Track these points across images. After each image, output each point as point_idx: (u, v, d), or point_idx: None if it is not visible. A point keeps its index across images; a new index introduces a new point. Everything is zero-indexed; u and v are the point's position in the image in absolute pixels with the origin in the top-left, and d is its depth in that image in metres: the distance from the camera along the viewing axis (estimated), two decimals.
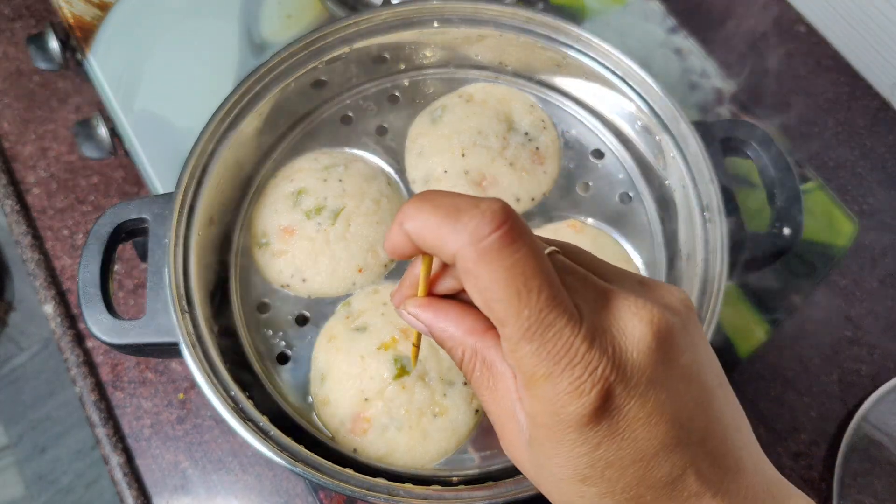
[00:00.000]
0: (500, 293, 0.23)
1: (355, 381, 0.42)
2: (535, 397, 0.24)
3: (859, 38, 0.61)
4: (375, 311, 0.44)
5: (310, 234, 0.46)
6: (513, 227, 0.23)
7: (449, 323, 0.27)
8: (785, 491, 0.27)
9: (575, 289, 0.25)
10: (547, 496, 0.27)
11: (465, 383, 0.43)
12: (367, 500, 0.37)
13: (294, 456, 0.38)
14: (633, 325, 0.25)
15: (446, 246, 0.24)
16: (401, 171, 0.50)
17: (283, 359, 0.45)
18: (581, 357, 0.23)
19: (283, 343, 0.45)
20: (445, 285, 0.28)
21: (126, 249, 0.57)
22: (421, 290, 0.28)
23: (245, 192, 0.49)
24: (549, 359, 0.24)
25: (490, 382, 0.27)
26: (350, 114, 0.52)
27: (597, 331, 0.24)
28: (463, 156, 0.49)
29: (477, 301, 0.24)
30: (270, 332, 0.46)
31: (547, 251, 0.26)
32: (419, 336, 0.34)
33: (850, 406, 0.52)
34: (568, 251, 0.28)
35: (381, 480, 0.38)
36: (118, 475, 0.50)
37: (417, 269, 0.28)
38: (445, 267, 0.28)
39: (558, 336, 0.23)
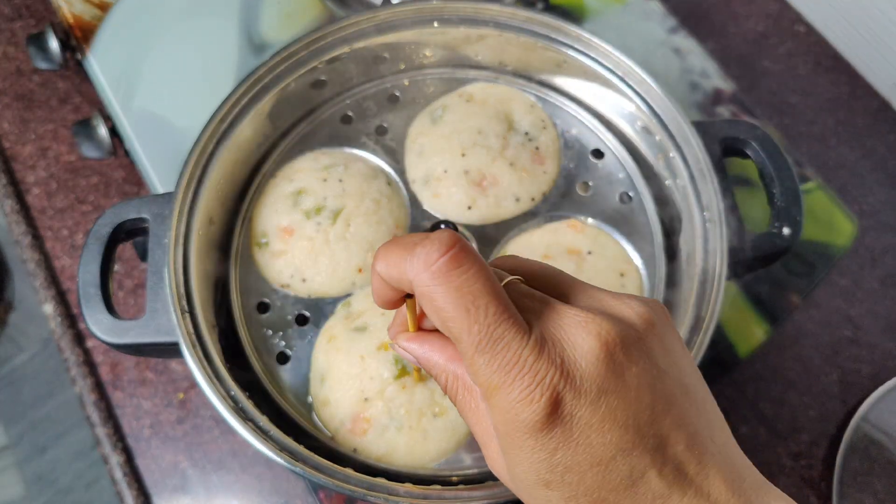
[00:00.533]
0: (451, 311, 0.26)
1: (355, 381, 0.42)
2: (493, 407, 0.26)
3: (859, 38, 0.61)
4: (375, 311, 0.44)
5: (309, 234, 0.46)
6: (460, 251, 0.26)
7: (433, 352, 0.30)
8: (764, 494, 0.27)
9: (530, 309, 0.27)
10: (522, 498, 0.28)
11: None
12: (366, 499, 0.37)
13: (294, 456, 0.38)
14: (582, 337, 0.26)
15: (405, 276, 0.27)
16: (401, 171, 0.50)
17: (282, 359, 0.45)
18: (530, 367, 0.25)
19: (283, 343, 0.45)
20: (430, 321, 0.31)
21: (126, 249, 0.57)
22: (410, 325, 0.31)
23: (245, 191, 0.49)
24: (500, 370, 0.25)
25: (472, 404, 0.29)
26: (350, 114, 0.52)
27: (545, 342, 0.26)
28: (463, 155, 0.49)
29: (436, 322, 0.27)
30: (270, 332, 0.46)
31: (506, 280, 0.28)
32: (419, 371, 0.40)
33: (850, 406, 0.52)
34: (534, 275, 0.30)
35: (380, 480, 0.38)
36: (118, 475, 0.50)
37: (404, 311, 0.31)
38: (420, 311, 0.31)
39: (507, 348, 0.25)
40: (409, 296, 0.29)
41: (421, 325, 0.31)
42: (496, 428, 0.27)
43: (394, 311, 0.32)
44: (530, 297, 0.28)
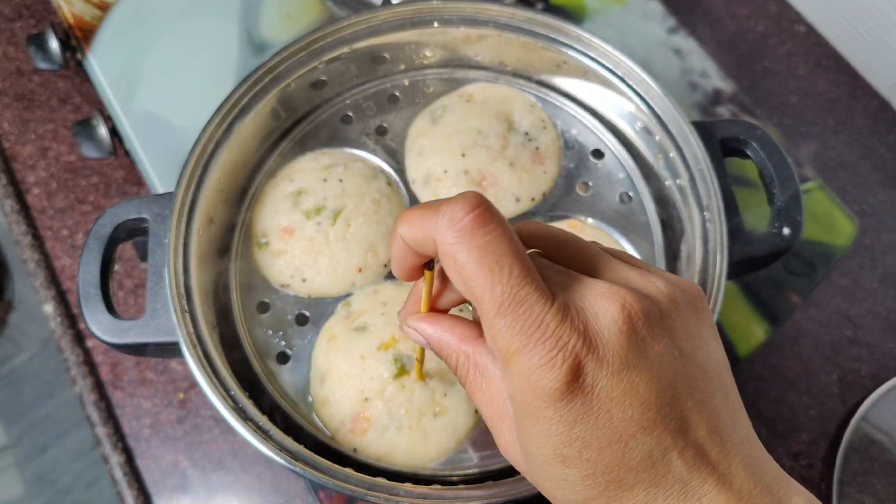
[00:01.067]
0: (474, 271, 0.25)
1: (355, 381, 0.42)
2: (512, 374, 0.25)
3: (859, 38, 0.61)
4: (375, 311, 0.44)
5: (310, 234, 0.46)
6: (485, 210, 0.25)
7: (444, 332, 0.30)
8: (786, 489, 0.27)
9: (552, 279, 0.27)
10: (539, 488, 0.28)
11: None
12: (366, 499, 0.37)
13: (294, 455, 0.38)
14: (605, 307, 0.26)
15: (429, 235, 0.26)
16: (401, 171, 0.50)
17: (283, 358, 0.45)
18: (552, 332, 0.25)
19: (283, 343, 0.45)
20: (446, 300, 0.31)
21: (126, 249, 0.57)
22: (423, 304, 0.30)
23: (245, 191, 0.49)
24: (521, 333, 0.25)
25: (483, 384, 0.28)
26: (350, 114, 0.52)
27: (568, 309, 0.25)
28: (463, 156, 0.49)
29: (457, 283, 0.26)
30: (270, 332, 0.46)
31: (527, 252, 0.27)
32: (422, 351, 0.39)
33: (849, 406, 0.52)
34: (559, 244, 0.29)
35: (381, 480, 0.38)
36: (118, 475, 0.50)
37: (419, 290, 0.31)
38: (443, 284, 0.30)
39: (530, 311, 0.25)
40: (429, 267, 0.29)
41: (434, 307, 0.31)
42: (513, 398, 0.26)
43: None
44: (552, 269, 0.27)
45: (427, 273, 0.29)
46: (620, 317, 0.25)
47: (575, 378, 0.25)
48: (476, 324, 0.29)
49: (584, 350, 0.25)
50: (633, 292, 0.26)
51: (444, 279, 0.30)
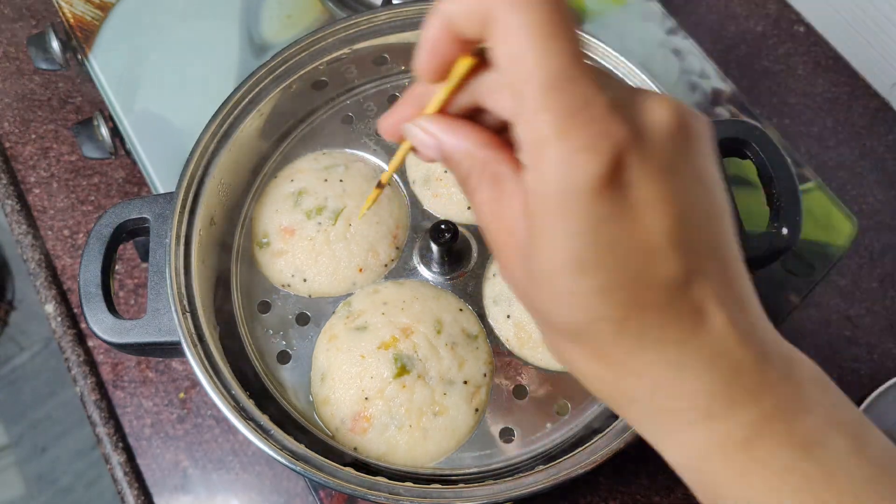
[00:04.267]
0: (529, 39, 0.22)
1: (356, 381, 0.42)
2: (545, 163, 0.23)
3: (859, 38, 0.61)
4: (376, 310, 0.44)
5: (310, 233, 0.46)
6: None
7: (461, 136, 0.26)
8: (789, 350, 0.26)
9: (606, 82, 0.24)
10: (538, 310, 0.26)
11: (465, 382, 0.43)
12: (367, 498, 0.37)
13: (294, 454, 0.38)
14: (658, 109, 0.24)
15: (483, 6, 0.23)
16: (401, 171, 0.50)
17: (283, 358, 0.45)
18: (601, 117, 0.22)
19: (284, 342, 0.45)
20: (458, 104, 0.27)
21: (127, 249, 0.57)
22: (433, 107, 0.27)
23: (246, 192, 0.49)
24: (567, 114, 0.22)
25: (495, 196, 0.26)
26: (350, 114, 0.52)
27: (620, 101, 0.23)
28: None
29: (504, 59, 0.23)
30: (271, 332, 0.46)
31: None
32: (393, 173, 0.33)
33: None
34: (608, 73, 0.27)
35: (381, 479, 0.38)
36: (119, 474, 0.50)
37: (417, 90, 0.28)
38: (460, 86, 0.27)
39: (581, 92, 0.22)
40: (477, 54, 0.26)
41: (443, 111, 0.27)
42: (536, 192, 0.23)
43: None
44: (605, 75, 0.25)
45: (464, 63, 0.26)
46: (673, 117, 0.24)
47: (616, 170, 0.22)
48: (495, 132, 0.27)
49: (631, 142, 0.22)
50: (688, 108, 0.24)
51: (470, 75, 0.27)
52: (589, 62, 0.23)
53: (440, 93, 0.27)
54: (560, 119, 0.22)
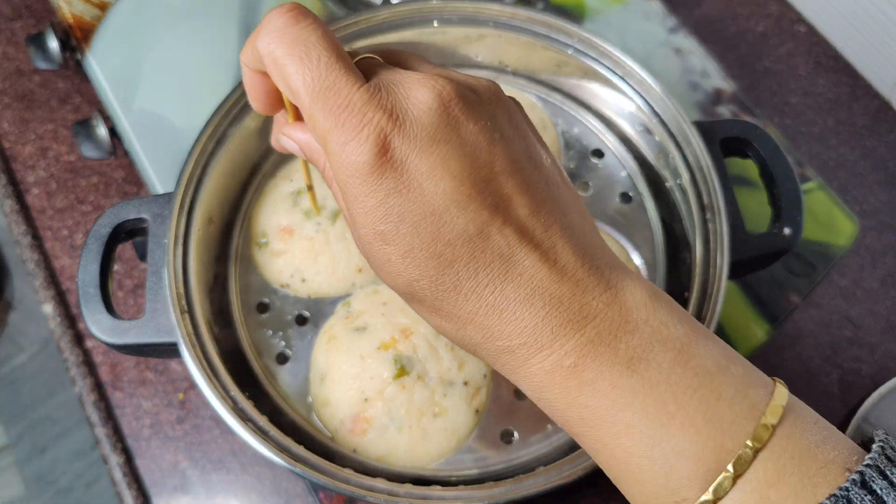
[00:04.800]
0: (287, 62, 0.27)
1: (355, 381, 0.42)
2: (329, 156, 0.27)
3: (859, 38, 0.61)
4: (375, 311, 0.44)
5: (309, 233, 0.46)
6: (298, 10, 0.27)
7: (309, 135, 0.31)
8: (620, 275, 0.27)
9: (376, 73, 0.28)
10: (377, 274, 0.29)
11: (465, 383, 0.43)
12: (367, 500, 0.37)
13: (293, 456, 0.38)
14: (417, 89, 0.27)
15: (254, 48, 0.28)
16: None
17: (282, 359, 0.45)
18: (358, 110, 0.26)
19: (283, 343, 0.45)
20: None
21: (126, 249, 0.56)
22: (290, 116, 0.32)
23: (244, 191, 0.49)
24: (331, 114, 0.26)
25: None
26: None
27: (379, 91, 0.27)
28: None
29: (280, 84, 0.28)
30: (270, 332, 0.45)
31: (360, 56, 0.29)
32: (307, 170, 0.42)
33: (850, 406, 0.52)
34: (391, 52, 0.31)
35: (381, 481, 0.37)
36: (118, 475, 0.50)
37: (282, 112, 0.33)
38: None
39: (338, 93, 0.26)
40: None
41: (299, 117, 0.32)
42: (337, 181, 0.27)
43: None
44: (380, 65, 0.29)
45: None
46: (430, 97, 0.27)
47: (382, 152, 0.26)
48: None
49: (390, 125, 0.26)
50: (451, 80, 0.27)
51: None
52: (348, 65, 0.27)
53: (287, 109, 0.32)
54: (328, 120, 0.26)
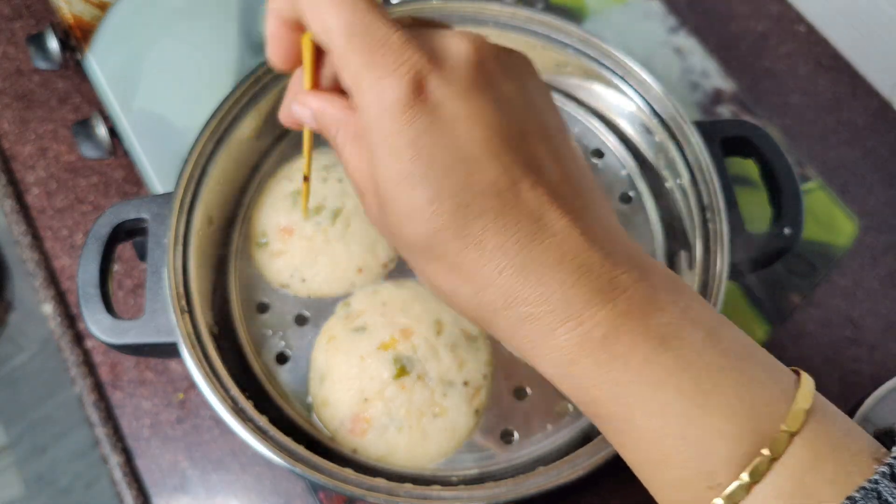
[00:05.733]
0: (325, 6, 0.26)
1: (355, 382, 0.42)
2: (360, 93, 0.26)
3: (859, 38, 0.61)
4: (375, 311, 0.44)
5: (309, 233, 0.46)
6: None
7: (327, 104, 0.30)
8: (643, 260, 0.27)
9: (412, 27, 0.28)
10: (392, 234, 0.28)
11: (465, 383, 0.43)
12: (366, 500, 0.37)
13: (293, 456, 0.38)
14: (455, 41, 0.27)
15: None
16: None
17: (282, 359, 0.45)
18: (396, 48, 0.26)
19: (283, 343, 0.45)
20: (326, 76, 0.31)
21: (125, 249, 0.56)
22: (307, 82, 0.31)
23: (244, 191, 0.49)
24: (368, 51, 0.26)
25: (355, 151, 0.29)
26: None
27: (416, 36, 0.26)
28: None
29: (312, 24, 0.27)
30: (269, 332, 0.45)
31: (394, 16, 0.29)
32: (309, 163, 0.38)
33: (850, 406, 0.52)
34: (432, 23, 0.31)
35: (380, 481, 0.37)
36: (117, 475, 0.50)
37: (294, 79, 0.32)
38: (321, 60, 0.31)
39: (376, 33, 0.26)
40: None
41: (316, 85, 0.32)
42: (364, 123, 0.27)
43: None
44: (416, 23, 0.29)
45: (305, 42, 0.30)
46: (470, 48, 0.26)
47: (418, 90, 0.25)
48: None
49: (428, 66, 0.26)
50: (487, 40, 0.27)
51: (322, 53, 0.31)
52: (385, 12, 0.27)
53: (305, 72, 0.31)
54: (364, 56, 0.26)
